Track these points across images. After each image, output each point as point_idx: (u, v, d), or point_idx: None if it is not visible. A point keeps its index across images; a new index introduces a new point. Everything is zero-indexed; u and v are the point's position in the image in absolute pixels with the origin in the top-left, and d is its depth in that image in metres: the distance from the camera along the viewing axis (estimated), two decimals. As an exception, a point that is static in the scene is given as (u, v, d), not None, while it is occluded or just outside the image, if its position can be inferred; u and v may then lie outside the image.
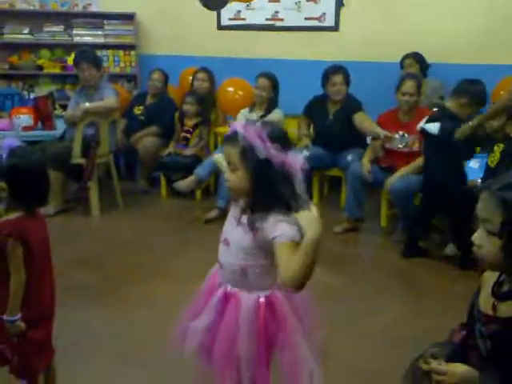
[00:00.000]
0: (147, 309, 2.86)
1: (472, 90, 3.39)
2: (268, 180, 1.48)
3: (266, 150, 1.46)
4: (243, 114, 4.55)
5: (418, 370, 1.29)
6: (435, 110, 3.53)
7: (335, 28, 5.26)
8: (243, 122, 1.54)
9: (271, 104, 4.48)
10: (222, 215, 4.14)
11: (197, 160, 4.66)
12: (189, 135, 4.83)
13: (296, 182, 1.51)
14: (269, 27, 5.42)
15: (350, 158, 4.18)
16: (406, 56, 4.70)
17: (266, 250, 1.52)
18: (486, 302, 1.24)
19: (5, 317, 1.74)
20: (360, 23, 5.14)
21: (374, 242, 4.03)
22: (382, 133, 3.94)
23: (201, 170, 4.39)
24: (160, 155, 4.77)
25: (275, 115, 4.37)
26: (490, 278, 1.25)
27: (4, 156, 1.73)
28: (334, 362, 2.39)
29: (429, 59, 4.72)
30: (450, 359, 1.24)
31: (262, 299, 1.58)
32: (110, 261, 3.50)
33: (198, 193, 4.74)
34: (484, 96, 3.42)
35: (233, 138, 1.51)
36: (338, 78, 4.31)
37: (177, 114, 4.90)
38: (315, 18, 5.29)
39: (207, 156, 4.66)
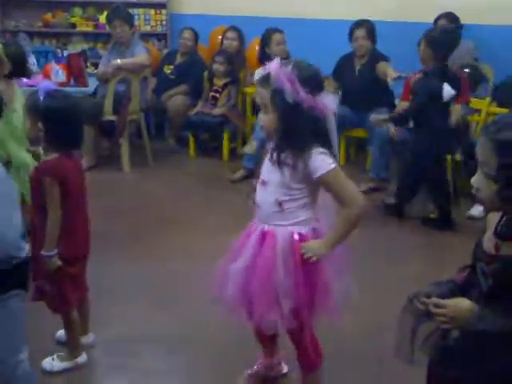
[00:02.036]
0: (176, 258, 2.99)
1: (432, 39, 3.35)
2: (297, 122, 1.55)
3: (296, 93, 1.52)
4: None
5: (414, 307, 1.36)
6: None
7: (368, -13, 5.16)
8: (277, 62, 1.57)
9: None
10: (249, 176, 4.21)
11: (225, 120, 4.72)
12: (217, 95, 4.86)
13: (327, 124, 1.59)
14: (300, -14, 5.34)
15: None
16: (439, 16, 4.59)
17: (302, 184, 1.63)
18: (489, 243, 1.27)
19: (42, 252, 1.86)
20: (394, -18, 5.03)
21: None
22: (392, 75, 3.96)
23: (248, 162, 4.31)
24: (189, 114, 4.84)
25: None
26: (493, 219, 1.28)
27: (41, 98, 1.82)
28: (353, 315, 2.49)
29: (463, 20, 4.60)
30: (444, 297, 1.29)
31: (296, 236, 1.66)
32: (141, 214, 3.64)
33: (226, 153, 4.81)
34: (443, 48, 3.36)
35: (265, 79, 1.58)
36: (360, 32, 4.28)
37: (206, 74, 4.93)
38: (349, -24, 5.19)
39: (235, 116, 4.73)
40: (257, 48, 5.01)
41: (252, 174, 4.15)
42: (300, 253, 1.64)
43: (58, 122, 1.83)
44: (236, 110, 4.92)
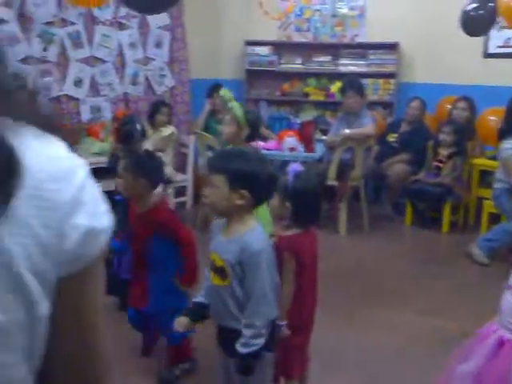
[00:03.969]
0: (381, 331, 2.96)
1: None
2: None
3: None
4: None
5: None
6: None
7: None
8: None
9: None
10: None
11: (447, 190, 4.57)
12: (441, 165, 4.74)
13: None
14: (545, 54, 4.98)
15: None
16: None
17: None
18: None
19: None
20: None
21: None
22: None
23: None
24: (408, 182, 4.81)
25: None
26: None
27: (290, 179, 1.96)
28: None
29: None
30: None
31: None
32: (354, 280, 3.69)
33: (445, 225, 4.62)
34: None
35: None
36: None
37: (430, 143, 4.87)
38: None
39: (460, 187, 4.55)
40: (490, 118, 4.77)
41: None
42: None
43: (305, 202, 1.95)
44: (461, 182, 4.73)
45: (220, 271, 1.72)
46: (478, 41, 5.15)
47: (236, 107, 2.83)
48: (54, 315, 0.62)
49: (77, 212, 0.61)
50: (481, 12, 3.98)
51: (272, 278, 1.73)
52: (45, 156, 0.61)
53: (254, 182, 1.69)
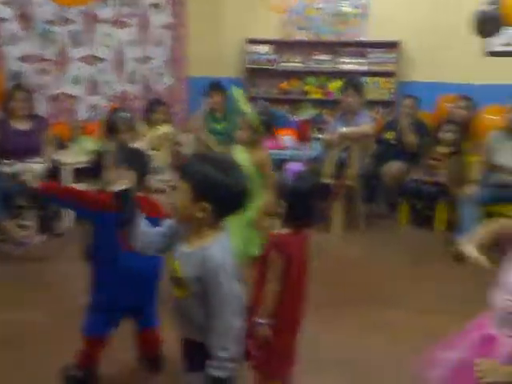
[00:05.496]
0: (373, 332, 2.94)
1: None
2: None
3: None
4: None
5: None
6: None
7: None
8: None
9: None
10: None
11: (443, 190, 4.54)
12: (438, 163, 4.72)
13: None
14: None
15: None
16: None
17: None
18: None
19: (255, 318, 1.91)
20: None
21: None
22: None
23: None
24: (404, 180, 4.79)
25: None
26: None
27: (288, 179, 1.91)
28: None
29: None
30: None
31: None
32: (346, 279, 3.67)
33: (439, 224, 4.60)
34: None
35: None
36: None
37: (427, 141, 4.84)
38: None
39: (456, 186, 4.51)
40: (488, 117, 4.75)
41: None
42: None
43: (300, 203, 1.87)
44: (458, 181, 4.68)
45: (179, 282, 1.63)
46: (481, 40, 5.11)
47: (249, 113, 2.78)
48: None
49: None
50: (494, 13, 3.93)
51: (238, 293, 1.61)
52: None
53: (216, 194, 1.52)
